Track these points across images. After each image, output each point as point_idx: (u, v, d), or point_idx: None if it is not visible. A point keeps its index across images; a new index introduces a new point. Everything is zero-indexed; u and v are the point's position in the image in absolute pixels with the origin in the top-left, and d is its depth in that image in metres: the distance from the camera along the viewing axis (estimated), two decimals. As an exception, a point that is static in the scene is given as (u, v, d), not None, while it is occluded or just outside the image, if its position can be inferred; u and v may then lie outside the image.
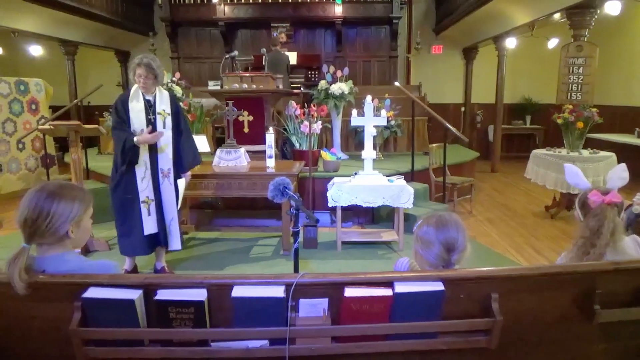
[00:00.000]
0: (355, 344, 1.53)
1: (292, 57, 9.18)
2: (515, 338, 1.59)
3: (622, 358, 1.72)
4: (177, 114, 3.75)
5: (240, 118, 5.60)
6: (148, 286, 1.46)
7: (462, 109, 11.29)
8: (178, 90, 6.97)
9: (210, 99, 7.34)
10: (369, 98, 4.84)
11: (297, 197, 2.20)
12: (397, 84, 7.39)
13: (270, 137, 4.71)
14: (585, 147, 5.86)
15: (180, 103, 6.23)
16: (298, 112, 5.95)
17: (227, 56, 6.03)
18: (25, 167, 7.22)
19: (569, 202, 5.80)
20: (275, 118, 6.28)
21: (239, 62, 6.42)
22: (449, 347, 1.54)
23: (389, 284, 1.47)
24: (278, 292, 1.44)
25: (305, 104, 6.60)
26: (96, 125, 4.76)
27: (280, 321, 1.46)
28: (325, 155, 5.77)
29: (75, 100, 8.42)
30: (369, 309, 1.46)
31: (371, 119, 4.68)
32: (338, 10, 9.87)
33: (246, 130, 5.71)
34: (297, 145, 5.99)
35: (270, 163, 4.66)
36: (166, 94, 3.74)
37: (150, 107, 3.62)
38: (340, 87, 6.55)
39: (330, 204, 4.59)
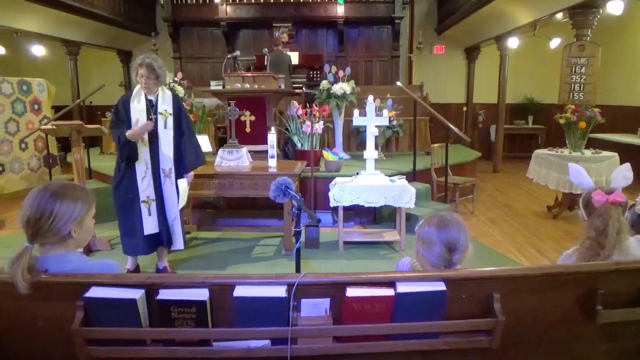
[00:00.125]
0: (357, 344, 1.53)
1: (294, 57, 9.19)
2: (517, 338, 1.58)
3: (623, 358, 1.71)
4: (179, 114, 3.73)
5: (242, 118, 5.60)
6: (150, 286, 1.47)
7: (464, 108, 11.28)
8: (180, 90, 6.98)
9: (212, 99, 7.34)
10: (370, 98, 4.84)
11: (299, 197, 2.20)
12: (399, 83, 7.39)
13: (272, 137, 4.71)
14: (587, 147, 5.85)
15: (183, 103, 6.25)
16: (300, 112, 5.96)
17: (229, 56, 6.04)
18: (27, 167, 7.23)
19: (571, 202, 5.79)
20: (277, 118, 6.28)
21: (241, 62, 6.42)
22: (451, 347, 1.54)
23: (390, 284, 1.47)
24: (280, 292, 1.44)
25: (307, 104, 6.60)
26: (98, 125, 4.77)
27: (282, 321, 1.46)
28: (327, 155, 5.77)
29: (78, 100, 8.42)
30: (371, 309, 1.46)
31: (373, 119, 4.68)
32: (340, 10, 9.86)
33: (248, 130, 5.71)
34: (299, 145, 5.99)
35: (272, 163, 4.66)
36: (169, 94, 3.73)
37: (152, 107, 3.63)
38: (342, 87, 6.55)
39: (332, 204, 4.59)
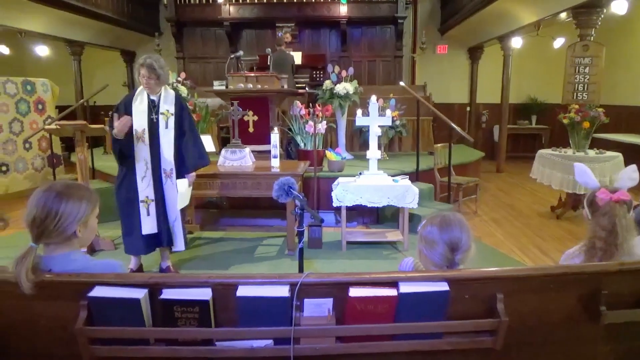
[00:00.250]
0: (360, 344, 1.53)
1: (297, 57, 9.19)
2: (520, 339, 1.58)
3: (627, 359, 1.71)
4: (181, 114, 3.71)
5: (245, 118, 5.61)
6: (153, 285, 1.47)
7: (468, 108, 11.26)
8: (183, 90, 7.00)
9: (215, 99, 7.36)
10: (373, 98, 4.83)
11: (301, 197, 2.21)
12: (402, 83, 7.37)
13: (275, 137, 4.71)
14: (591, 147, 5.83)
15: (186, 103, 6.25)
16: (303, 112, 5.96)
17: (232, 56, 6.05)
18: (31, 167, 7.26)
19: (574, 203, 5.77)
20: (280, 118, 6.28)
21: (244, 62, 6.44)
22: (454, 348, 1.54)
23: (393, 284, 1.47)
24: (283, 291, 1.44)
25: (310, 104, 6.61)
26: (102, 125, 4.79)
27: (284, 321, 1.46)
28: (330, 155, 5.77)
29: (81, 100, 8.46)
30: (374, 309, 1.46)
31: (376, 119, 4.68)
32: (343, 10, 9.86)
33: (251, 130, 5.72)
34: (301, 145, 6.00)
35: (275, 163, 4.66)
36: (172, 93, 3.72)
37: (153, 107, 3.63)
38: (345, 87, 6.55)
39: (334, 204, 4.58)
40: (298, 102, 6.26)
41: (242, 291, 1.44)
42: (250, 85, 5.77)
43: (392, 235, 4.86)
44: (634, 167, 2.03)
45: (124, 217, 3.73)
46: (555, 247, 4.75)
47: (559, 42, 8.24)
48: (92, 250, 4.54)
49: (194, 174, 3.84)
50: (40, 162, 7.40)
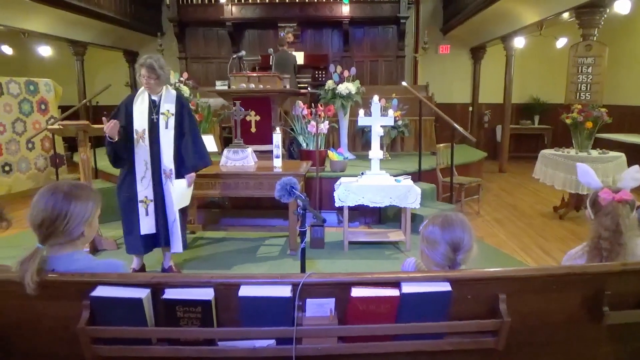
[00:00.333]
0: (362, 344, 1.53)
1: (299, 57, 9.19)
2: (522, 339, 1.58)
3: (631, 360, 1.70)
4: (180, 114, 3.70)
5: (248, 118, 5.61)
6: (156, 285, 1.47)
7: (470, 108, 11.24)
8: (185, 90, 7.00)
9: (217, 99, 7.36)
10: (376, 98, 4.83)
11: (304, 197, 2.21)
12: (404, 83, 7.37)
13: (277, 137, 4.71)
14: (594, 147, 5.82)
15: (188, 103, 6.25)
16: (305, 112, 5.96)
17: (234, 56, 6.05)
18: (34, 167, 7.28)
19: (577, 203, 5.76)
20: (283, 118, 6.29)
21: (246, 62, 6.43)
22: (456, 348, 1.54)
23: (396, 284, 1.47)
24: (285, 291, 1.44)
25: (313, 104, 6.60)
26: (103, 125, 4.78)
27: (287, 321, 1.46)
28: (332, 155, 5.77)
29: (84, 100, 8.48)
30: (376, 309, 1.46)
31: (378, 119, 4.68)
32: (345, 10, 9.86)
33: (253, 130, 5.72)
34: (304, 145, 6.00)
35: (277, 163, 4.66)
36: (173, 93, 3.72)
37: (154, 107, 3.64)
38: (348, 87, 6.55)
39: (337, 204, 4.58)
40: (300, 102, 6.26)
41: (245, 291, 1.44)
42: (252, 85, 5.77)
43: (394, 235, 4.86)
44: (636, 167, 2.02)
45: (124, 217, 3.74)
46: (558, 247, 4.74)
47: (561, 42, 8.22)
48: (94, 250, 4.55)
49: (193, 174, 3.79)
50: (43, 162, 7.42)
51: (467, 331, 1.53)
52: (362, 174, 4.73)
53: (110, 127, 3.36)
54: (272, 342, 1.50)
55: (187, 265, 4.28)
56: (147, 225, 3.70)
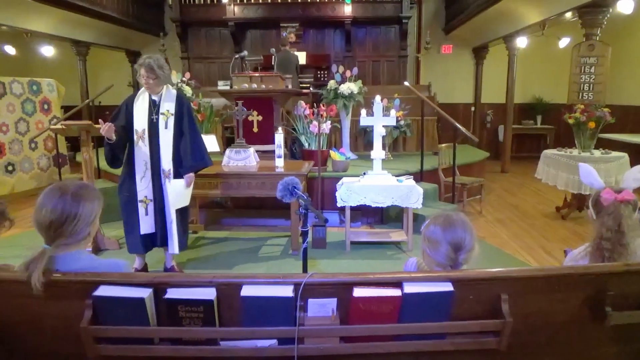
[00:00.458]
0: (364, 344, 1.52)
1: (302, 57, 9.20)
2: (524, 339, 1.58)
3: (634, 361, 1.70)
4: (180, 114, 3.68)
5: (250, 118, 5.62)
6: (158, 285, 1.47)
7: (472, 108, 11.23)
8: (188, 90, 7.01)
9: (219, 99, 7.36)
10: (378, 98, 4.83)
11: (306, 197, 2.20)
12: (406, 83, 7.37)
13: (279, 137, 4.72)
14: (597, 148, 5.80)
15: (189, 103, 6.25)
16: (307, 112, 5.96)
17: (236, 56, 6.06)
18: (37, 167, 7.30)
19: (580, 203, 5.74)
20: (285, 118, 6.29)
21: (249, 62, 6.44)
22: (458, 348, 1.54)
23: (398, 284, 1.47)
24: (287, 291, 1.44)
25: (315, 104, 6.60)
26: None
27: (289, 321, 1.46)
28: (334, 155, 5.77)
29: (87, 100, 8.48)
30: (378, 309, 1.46)
31: (380, 119, 4.68)
32: (347, 10, 9.86)
33: (255, 130, 5.73)
34: (306, 145, 6.00)
35: (280, 163, 4.67)
36: (173, 93, 3.71)
37: (154, 107, 3.64)
38: (350, 87, 6.54)
39: (339, 204, 4.58)
40: (302, 102, 6.27)
41: (246, 291, 1.45)
42: (254, 85, 5.78)
43: (396, 235, 4.86)
44: (639, 167, 2.01)
45: (125, 216, 3.75)
46: (561, 247, 4.72)
47: (564, 42, 8.20)
48: (97, 249, 4.56)
49: (192, 174, 3.74)
50: (45, 162, 7.44)
51: (469, 331, 1.53)
52: (364, 174, 4.72)
53: (105, 130, 3.40)
54: (274, 342, 1.50)
55: (189, 265, 4.29)
56: (146, 224, 3.71)
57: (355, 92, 6.58)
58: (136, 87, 10.80)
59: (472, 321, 1.50)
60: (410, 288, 1.45)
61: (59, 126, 4.79)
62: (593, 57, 6.06)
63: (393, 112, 6.33)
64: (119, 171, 3.82)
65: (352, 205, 4.55)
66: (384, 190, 4.51)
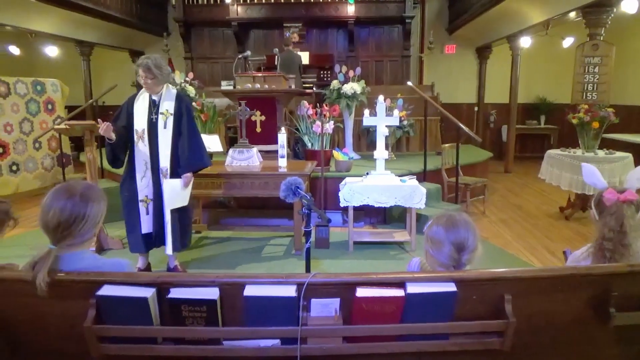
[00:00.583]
0: (367, 344, 1.53)
1: (305, 57, 9.19)
2: (528, 340, 1.57)
3: (637, 362, 1.69)
4: (179, 114, 3.66)
5: (253, 118, 5.62)
6: (161, 284, 1.48)
7: (476, 108, 11.20)
8: (191, 90, 7.02)
9: (223, 99, 7.38)
10: (381, 98, 4.82)
11: (309, 197, 2.21)
12: (409, 83, 7.35)
13: (282, 137, 4.72)
14: (600, 148, 5.78)
15: (193, 103, 6.26)
16: (310, 112, 5.96)
17: (239, 56, 6.06)
18: (41, 167, 7.33)
19: (583, 203, 5.73)
20: (288, 118, 6.29)
21: (252, 62, 6.44)
22: (461, 349, 1.53)
23: (400, 284, 1.47)
24: (290, 291, 1.44)
25: (318, 104, 6.61)
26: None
27: (291, 321, 1.46)
28: (337, 155, 5.77)
29: (91, 100, 8.53)
30: (381, 310, 1.46)
31: (383, 119, 4.67)
32: (350, 10, 9.86)
33: (258, 130, 5.73)
34: (309, 145, 6.00)
35: (283, 163, 4.67)
36: (173, 93, 3.71)
37: (154, 106, 3.65)
38: (353, 87, 6.54)
39: (342, 204, 4.58)
40: (305, 102, 6.27)
41: (249, 291, 1.45)
42: (257, 85, 5.78)
43: (399, 235, 4.85)
44: None
45: (126, 216, 3.76)
46: (564, 248, 4.70)
47: (568, 42, 8.18)
48: (101, 249, 4.58)
49: (189, 174, 3.70)
50: (49, 162, 7.47)
51: (473, 332, 1.53)
52: (367, 174, 4.72)
53: (104, 129, 3.42)
54: (277, 341, 1.51)
55: (193, 264, 4.30)
56: (147, 224, 3.72)
57: (358, 92, 6.58)
58: (139, 87, 10.84)
59: (475, 321, 1.50)
60: (413, 288, 1.45)
61: (62, 126, 4.80)
62: (597, 57, 6.04)
63: (396, 112, 6.33)
64: (121, 171, 3.83)
65: (355, 205, 4.55)
66: (387, 190, 4.50)
